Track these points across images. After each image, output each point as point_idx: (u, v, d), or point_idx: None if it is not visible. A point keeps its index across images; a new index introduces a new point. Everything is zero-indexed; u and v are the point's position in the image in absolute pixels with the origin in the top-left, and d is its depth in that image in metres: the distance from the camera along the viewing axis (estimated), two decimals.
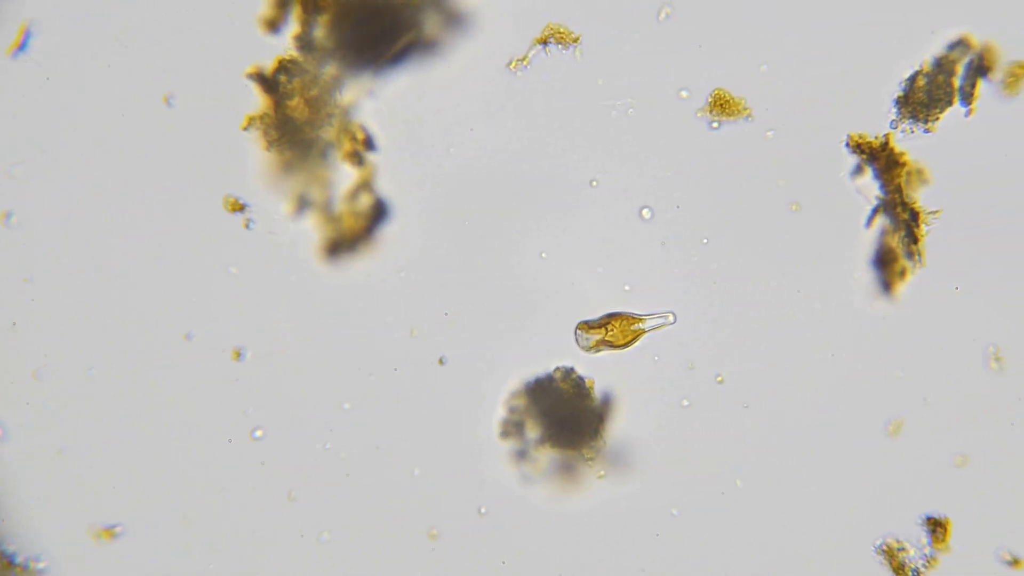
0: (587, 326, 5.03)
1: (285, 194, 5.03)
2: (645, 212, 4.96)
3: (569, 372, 5.06)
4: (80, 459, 5.02)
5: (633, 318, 5.02)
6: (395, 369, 5.04)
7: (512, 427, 5.06)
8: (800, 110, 5.03)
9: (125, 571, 5.01)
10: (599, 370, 5.07)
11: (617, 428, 5.09)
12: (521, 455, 5.06)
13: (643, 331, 5.03)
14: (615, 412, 5.07)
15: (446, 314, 5.03)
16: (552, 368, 5.07)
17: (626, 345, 5.04)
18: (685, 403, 5.09)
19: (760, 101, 5.03)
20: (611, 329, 5.02)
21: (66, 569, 5.01)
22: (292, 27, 4.99)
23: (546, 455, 5.06)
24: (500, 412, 5.06)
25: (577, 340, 5.04)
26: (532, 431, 5.06)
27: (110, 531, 5.01)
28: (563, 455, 5.06)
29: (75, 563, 5.01)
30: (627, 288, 5.08)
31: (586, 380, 5.06)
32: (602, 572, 5.07)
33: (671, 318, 5.01)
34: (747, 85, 5.03)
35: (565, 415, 5.06)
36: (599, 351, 5.05)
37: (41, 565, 5.00)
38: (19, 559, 4.99)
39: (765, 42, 5.03)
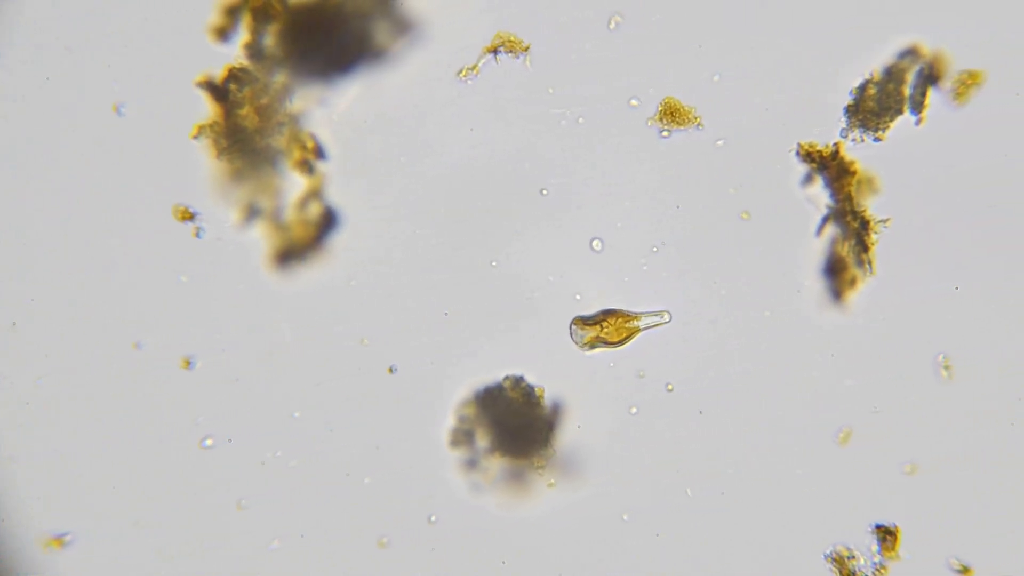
0: (582, 322, 5.01)
1: (235, 203, 5.03)
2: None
3: (519, 381, 5.06)
4: (30, 467, 5.02)
5: (628, 316, 5.01)
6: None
7: (462, 436, 5.06)
8: (750, 119, 5.04)
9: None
10: (549, 378, 5.08)
11: (567, 436, 5.09)
12: (471, 464, 5.06)
13: (638, 329, 5.02)
14: (564, 420, 5.07)
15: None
16: (502, 377, 5.07)
17: (620, 343, 5.02)
18: (633, 411, 5.10)
19: (710, 110, 5.03)
20: (606, 326, 5.01)
21: None
22: (242, 36, 4.99)
23: (496, 464, 5.06)
24: (450, 421, 5.06)
25: (572, 336, 5.03)
26: (482, 440, 5.06)
27: (60, 539, 5.01)
28: (513, 464, 5.07)
29: (25, 571, 5.01)
30: (578, 297, 5.09)
31: (536, 389, 5.07)
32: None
33: (667, 316, 5.01)
34: (697, 94, 5.03)
35: (515, 424, 5.06)
36: (594, 348, 5.04)
37: None
38: None
39: (715, 50, 5.03)
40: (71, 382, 5.02)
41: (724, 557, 5.05)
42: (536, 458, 5.07)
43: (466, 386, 5.08)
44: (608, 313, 5.03)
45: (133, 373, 5.03)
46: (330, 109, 5.02)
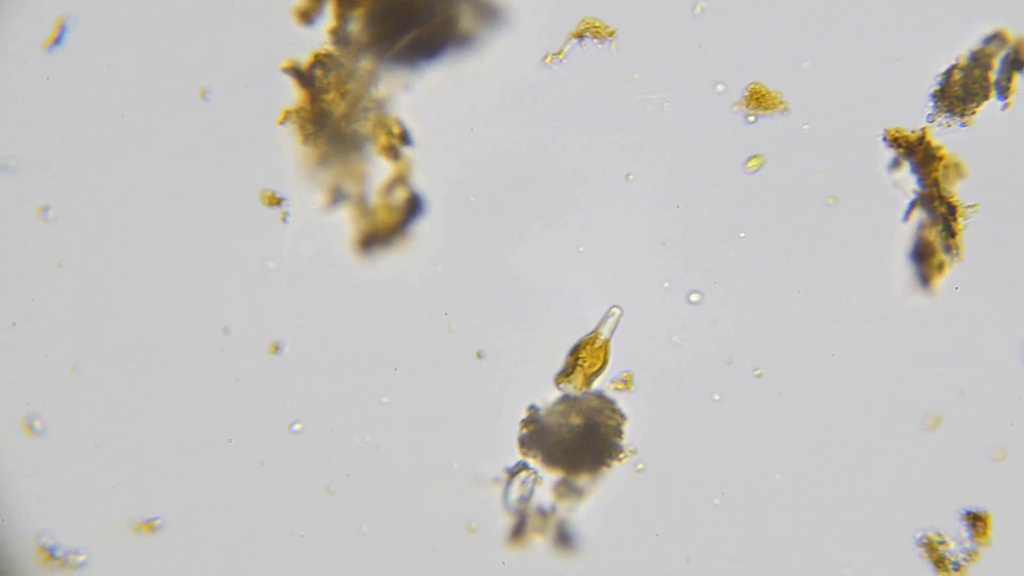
0: (564, 377, 5.01)
1: (321, 188, 5.03)
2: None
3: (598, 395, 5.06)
4: (119, 453, 5.03)
5: (590, 338, 5.01)
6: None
7: (530, 440, 5.04)
8: (836, 104, 5.02)
9: (164, 564, 5.03)
10: (632, 366, 5.07)
11: (646, 425, 5.08)
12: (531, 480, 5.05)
13: (607, 340, 5.01)
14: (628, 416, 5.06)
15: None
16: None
17: (605, 364, 5.02)
18: (716, 397, 5.09)
19: (796, 95, 5.02)
20: (583, 362, 5.00)
21: (105, 562, 5.03)
22: (327, 20, 4.99)
23: (569, 470, 5.05)
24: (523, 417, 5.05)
25: (567, 394, 5.02)
26: (551, 446, 5.04)
27: (150, 524, 5.02)
28: (587, 469, 5.04)
29: (114, 556, 5.02)
30: (666, 285, 5.07)
31: (624, 375, 5.05)
32: (651, 560, 5.06)
33: (617, 312, 5.00)
34: (783, 79, 5.02)
35: (585, 435, 5.04)
36: (591, 383, 5.03)
37: (80, 559, 5.02)
38: (59, 553, 5.01)
39: (800, 35, 5.02)
40: (159, 368, 5.03)
41: (814, 542, 5.04)
42: (613, 459, 5.04)
43: (551, 375, 5.07)
44: (575, 350, 5.02)
45: (222, 358, 5.04)
46: (415, 95, 5.03)
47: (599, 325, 5.02)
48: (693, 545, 5.06)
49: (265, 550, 5.03)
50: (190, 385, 5.04)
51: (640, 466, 5.06)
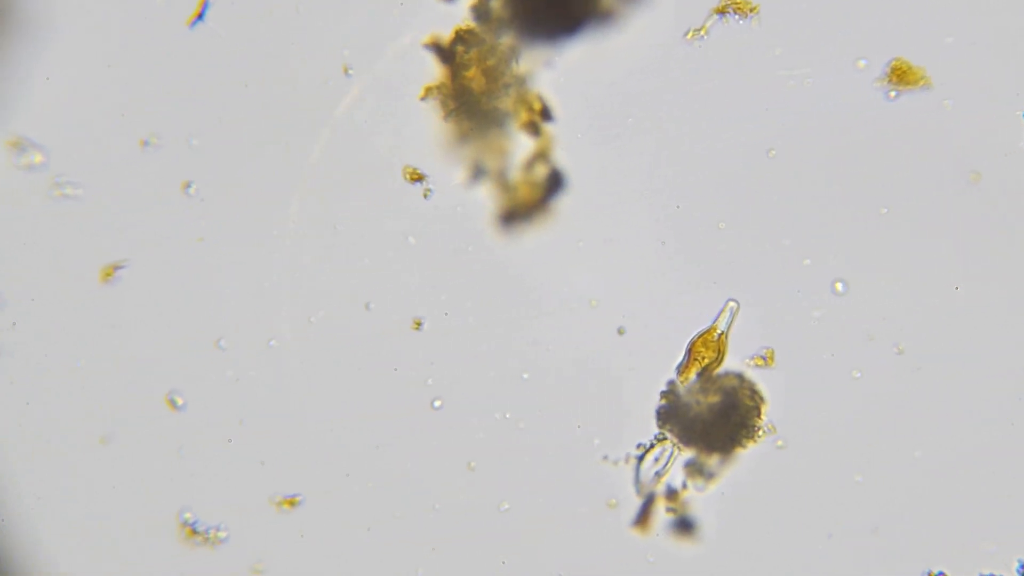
0: (681, 371, 5.00)
1: (462, 164, 5.03)
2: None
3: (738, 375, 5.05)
4: (261, 429, 5.04)
5: (707, 332, 4.99)
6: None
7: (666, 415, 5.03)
8: (979, 79, 5.00)
9: (306, 540, 5.04)
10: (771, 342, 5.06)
11: (786, 401, 5.07)
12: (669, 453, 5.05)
13: (723, 334, 5.00)
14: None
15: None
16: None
17: (721, 356, 5.01)
18: (856, 375, 5.07)
19: (939, 70, 5.00)
20: (697, 354, 4.99)
21: (247, 538, 5.04)
22: None
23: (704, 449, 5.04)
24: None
25: (684, 390, 5.01)
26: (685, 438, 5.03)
27: (291, 500, 5.03)
28: (721, 449, 5.04)
29: (256, 532, 5.04)
30: (807, 263, 5.05)
31: (766, 350, 5.04)
32: (794, 536, 5.06)
33: (733, 305, 5.00)
34: (925, 54, 5.00)
35: (722, 413, 5.03)
36: (707, 371, 5.02)
37: (222, 535, 5.03)
38: (201, 528, 5.02)
39: (943, 10, 5.00)
40: (302, 344, 5.04)
41: (955, 518, 5.03)
42: (749, 439, 5.03)
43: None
44: (691, 345, 5.00)
45: (364, 334, 5.04)
46: (557, 71, 5.01)
47: (716, 319, 5.02)
48: (834, 521, 5.05)
49: (406, 526, 5.04)
50: (333, 361, 5.04)
51: (780, 443, 5.05)
